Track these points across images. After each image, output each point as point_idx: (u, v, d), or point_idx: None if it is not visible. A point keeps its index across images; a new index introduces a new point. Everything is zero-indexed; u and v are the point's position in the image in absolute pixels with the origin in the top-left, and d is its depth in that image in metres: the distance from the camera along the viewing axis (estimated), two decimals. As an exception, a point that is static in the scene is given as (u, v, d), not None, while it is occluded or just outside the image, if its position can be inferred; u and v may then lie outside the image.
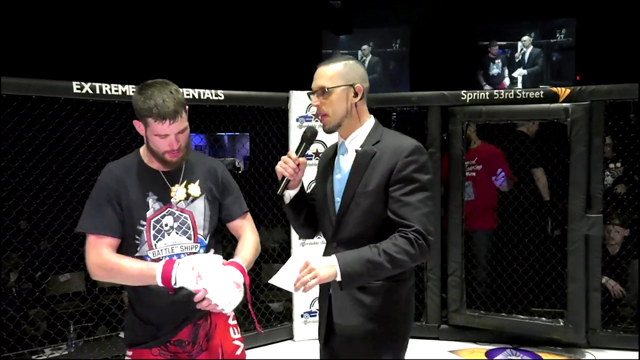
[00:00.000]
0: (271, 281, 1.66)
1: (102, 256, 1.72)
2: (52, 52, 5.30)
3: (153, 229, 1.77)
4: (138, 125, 1.76)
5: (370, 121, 1.78)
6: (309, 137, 1.79)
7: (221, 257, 1.77)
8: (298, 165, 1.75)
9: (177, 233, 1.80)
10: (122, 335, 3.42)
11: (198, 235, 1.82)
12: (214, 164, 1.95)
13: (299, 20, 6.81)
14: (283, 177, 1.75)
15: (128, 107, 3.18)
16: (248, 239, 1.90)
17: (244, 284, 1.72)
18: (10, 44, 5.02)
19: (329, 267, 1.57)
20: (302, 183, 1.85)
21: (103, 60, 5.45)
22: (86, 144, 3.18)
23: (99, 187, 1.78)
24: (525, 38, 6.75)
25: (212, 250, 1.79)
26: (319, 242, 3.75)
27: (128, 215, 1.76)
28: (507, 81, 6.83)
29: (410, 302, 1.78)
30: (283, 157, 1.75)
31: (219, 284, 1.66)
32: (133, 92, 3.00)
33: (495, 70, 6.86)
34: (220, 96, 3.42)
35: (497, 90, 3.63)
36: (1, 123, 2.78)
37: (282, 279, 1.64)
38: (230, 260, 1.78)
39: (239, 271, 1.72)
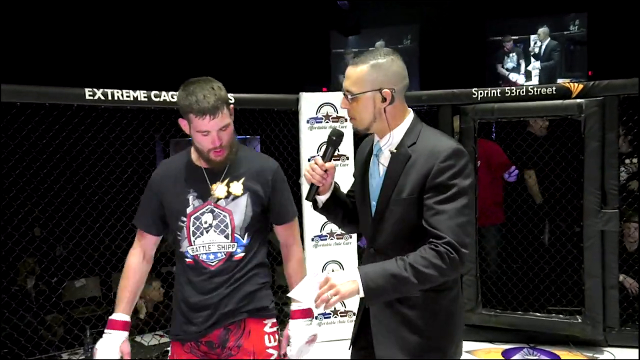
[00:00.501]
0: (290, 295, 1.65)
1: (131, 255, 1.88)
2: (59, 59, 5.35)
3: (192, 226, 1.80)
4: (184, 124, 1.77)
5: (407, 120, 1.65)
6: (334, 140, 1.69)
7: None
8: (326, 171, 1.66)
9: (215, 231, 1.80)
10: (137, 339, 3.45)
11: (236, 235, 1.81)
12: (267, 163, 1.92)
13: (307, 22, 6.82)
14: (312, 184, 1.68)
15: (140, 112, 3.22)
16: (296, 260, 1.96)
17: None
18: (18, 52, 5.08)
19: (351, 283, 1.48)
20: (335, 184, 1.75)
21: (111, 66, 5.49)
22: (99, 150, 3.22)
23: (148, 184, 1.88)
24: (541, 30, 6.59)
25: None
26: (332, 243, 3.75)
27: (170, 211, 1.82)
28: (521, 78, 6.72)
29: (454, 314, 1.65)
30: (310, 164, 1.68)
31: (302, 342, 1.83)
32: (145, 98, 3.05)
33: (510, 64, 6.75)
34: (231, 99, 3.42)
35: (509, 87, 3.59)
36: (15, 131, 2.82)
37: (301, 293, 1.60)
38: (297, 309, 1.87)
39: (309, 320, 1.88)
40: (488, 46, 6.86)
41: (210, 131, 1.71)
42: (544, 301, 3.57)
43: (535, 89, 3.48)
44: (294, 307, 1.90)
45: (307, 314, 1.90)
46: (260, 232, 1.88)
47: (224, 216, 1.81)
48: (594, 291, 3.30)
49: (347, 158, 3.60)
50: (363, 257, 1.76)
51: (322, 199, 1.73)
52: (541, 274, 3.58)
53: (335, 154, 1.71)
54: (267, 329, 1.88)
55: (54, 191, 3.08)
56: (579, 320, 3.35)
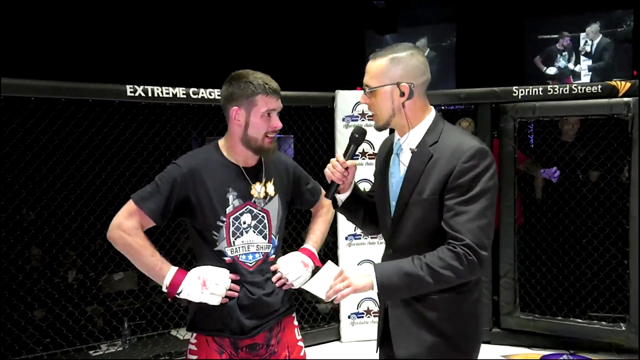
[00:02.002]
0: (304, 287, 1.67)
1: (131, 228, 1.70)
2: (99, 56, 5.49)
3: (232, 226, 1.76)
4: (235, 112, 1.74)
5: (429, 117, 1.60)
6: (357, 138, 1.67)
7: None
8: (347, 168, 1.63)
9: (254, 232, 1.80)
10: (173, 333, 3.51)
11: (272, 236, 1.83)
12: (286, 160, 1.96)
13: (342, 21, 6.81)
14: (332, 182, 1.65)
15: (179, 109, 3.27)
16: (319, 217, 2.02)
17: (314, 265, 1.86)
18: (61, 50, 5.24)
19: (364, 277, 1.48)
20: (355, 184, 1.73)
21: (148, 64, 5.60)
22: (138, 146, 3.28)
23: (168, 173, 1.75)
24: (590, 29, 6.26)
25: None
26: (366, 242, 3.73)
27: (205, 209, 1.74)
28: (570, 79, 6.45)
29: (475, 316, 1.62)
30: (332, 160, 1.65)
31: (290, 262, 1.82)
32: (184, 94, 3.10)
33: (562, 62, 6.48)
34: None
35: (551, 86, 3.49)
36: (60, 127, 2.90)
37: (315, 285, 1.61)
38: (302, 247, 1.93)
39: (307, 256, 1.87)
40: (536, 45, 6.63)
41: (275, 110, 1.76)
42: (586, 307, 3.45)
43: (579, 87, 3.37)
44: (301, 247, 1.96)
45: (306, 252, 1.92)
46: (283, 232, 1.92)
47: (262, 217, 1.81)
48: (640, 298, 3.18)
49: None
50: (381, 257, 1.73)
51: (342, 197, 1.71)
52: (583, 279, 3.46)
53: (358, 151, 1.69)
54: (294, 322, 1.92)
55: (95, 186, 3.16)
56: (623, 328, 3.23)
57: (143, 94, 3.00)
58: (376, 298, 1.72)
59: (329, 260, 1.72)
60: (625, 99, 3.19)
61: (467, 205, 1.47)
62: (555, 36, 6.49)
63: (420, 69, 1.58)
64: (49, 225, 3.14)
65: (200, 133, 3.51)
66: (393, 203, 1.62)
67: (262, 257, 1.80)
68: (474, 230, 1.45)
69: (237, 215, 1.77)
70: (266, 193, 1.82)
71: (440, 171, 1.51)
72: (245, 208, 1.78)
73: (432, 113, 1.62)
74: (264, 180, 1.82)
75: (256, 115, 1.73)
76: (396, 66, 1.55)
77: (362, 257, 3.69)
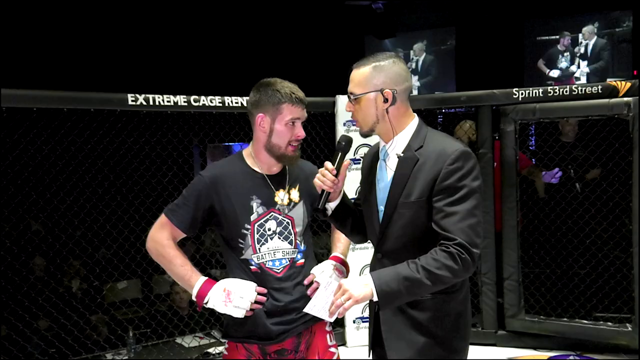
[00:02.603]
0: (305, 310, 1.68)
1: (163, 239, 1.81)
2: (100, 65, 5.52)
3: (257, 233, 1.80)
4: (261, 119, 1.80)
5: (412, 124, 1.65)
6: (343, 146, 1.69)
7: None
8: (336, 176, 1.66)
9: (280, 238, 1.83)
10: (178, 341, 3.50)
11: (297, 241, 1.86)
12: (312, 167, 1.98)
13: (343, 26, 6.83)
14: (322, 191, 1.68)
15: (180, 117, 3.28)
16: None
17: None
18: (60, 59, 5.27)
19: (364, 287, 1.48)
20: (344, 193, 1.77)
21: (150, 72, 5.62)
22: (141, 155, 3.30)
23: (193, 185, 1.83)
24: (586, 29, 6.27)
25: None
26: (369, 247, 3.71)
27: (229, 218, 1.80)
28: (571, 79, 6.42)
29: (464, 315, 1.66)
30: (320, 170, 1.67)
31: (325, 272, 1.83)
32: (185, 102, 3.11)
33: (564, 63, 6.47)
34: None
35: (552, 87, 3.49)
36: (62, 136, 2.91)
37: (315, 306, 1.62)
38: (332, 255, 1.95)
39: (340, 264, 1.90)
40: (535, 46, 6.62)
41: (300, 119, 1.80)
42: (591, 308, 3.44)
43: (580, 88, 3.37)
44: (332, 255, 1.99)
45: (339, 260, 1.95)
46: (310, 237, 1.93)
47: (287, 223, 1.84)
48: (645, 298, 3.17)
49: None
50: (371, 262, 1.76)
51: (332, 205, 1.73)
52: (587, 279, 3.45)
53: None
54: (327, 327, 1.93)
55: (98, 195, 3.17)
56: (629, 329, 3.22)
57: (144, 102, 3.01)
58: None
59: (327, 276, 1.75)
60: (626, 99, 3.19)
61: (456, 205, 1.51)
62: (555, 37, 6.49)
63: (402, 76, 1.63)
64: (53, 235, 3.15)
65: (201, 141, 3.52)
66: (381, 208, 1.66)
67: (288, 262, 1.83)
68: (464, 229, 1.49)
69: (262, 222, 1.81)
70: (290, 200, 1.85)
71: (426, 174, 1.56)
72: (270, 215, 1.82)
73: (415, 119, 1.68)
74: (287, 187, 1.85)
75: (280, 123, 1.78)
76: (379, 74, 1.60)
77: (366, 261, 3.68)
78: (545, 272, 3.65)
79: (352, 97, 1.64)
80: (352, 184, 3.29)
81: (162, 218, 1.83)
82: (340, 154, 1.69)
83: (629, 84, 3.26)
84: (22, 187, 2.95)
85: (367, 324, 3.70)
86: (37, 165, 2.95)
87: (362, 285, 1.49)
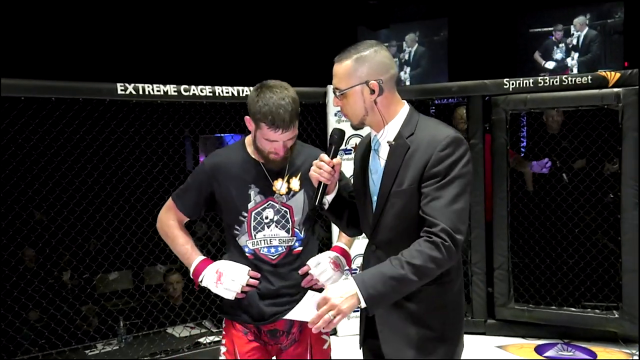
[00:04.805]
0: (289, 316, 1.71)
1: (169, 220, 1.92)
2: (89, 55, 5.46)
3: (254, 221, 1.84)
4: (248, 122, 1.81)
5: (403, 111, 1.62)
6: (336, 139, 1.67)
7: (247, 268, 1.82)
8: (333, 167, 1.64)
9: (277, 226, 1.85)
10: (169, 331, 3.51)
11: (295, 229, 1.87)
12: (317, 154, 1.94)
13: (335, 17, 6.79)
14: (319, 184, 1.65)
15: (170, 107, 3.26)
16: None
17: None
18: (49, 48, 5.21)
19: (350, 298, 1.43)
20: (338, 185, 1.74)
21: (138, 61, 5.58)
22: (130, 145, 3.27)
23: (196, 172, 1.91)
24: (577, 20, 6.25)
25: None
26: (361, 237, 3.72)
27: (229, 205, 1.85)
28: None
29: (458, 306, 1.65)
30: (315, 162, 1.64)
31: (321, 264, 1.84)
32: (175, 92, 3.09)
33: (559, 54, 6.49)
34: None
35: (542, 77, 3.50)
36: (51, 126, 2.89)
37: (301, 313, 1.62)
38: (335, 245, 1.96)
39: (340, 254, 1.91)
40: (528, 38, 6.61)
41: (277, 141, 1.75)
42: (579, 296, 3.47)
43: (570, 79, 3.39)
44: (334, 245, 1.98)
45: (339, 250, 1.94)
46: (313, 225, 1.94)
47: (285, 212, 1.86)
48: (632, 286, 3.20)
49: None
50: (364, 253, 1.74)
51: (329, 198, 1.72)
52: (576, 268, 3.49)
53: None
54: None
55: (87, 185, 3.15)
56: (616, 316, 3.26)
57: (134, 92, 2.99)
58: None
59: (309, 290, 1.79)
60: (616, 90, 3.21)
61: (442, 190, 1.48)
62: (548, 29, 6.50)
63: (386, 65, 1.59)
64: (42, 225, 3.13)
65: (192, 131, 3.50)
66: (374, 198, 1.63)
67: (285, 250, 1.86)
68: (448, 214, 1.46)
69: (259, 210, 1.84)
70: (289, 188, 1.86)
71: (417, 161, 1.53)
72: (267, 204, 1.84)
73: (405, 106, 1.64)
74: (287, 177, 1.85)
75: (261, 135, 1.77)
76: (362, 65, 1.56)
77: (358, 251, 3.69)
78: (534, 261, 3.69)
79: (337, 92, 1.60)
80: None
81: (169, 202, 1.93)
82: (334, 146, 1.67)
83: (618, 75, 3.27)
84: (9, 178, 2.92)
85: (357, 313, 3.72)
86: (25, 155, 2.93)
87: (348, 296, 1.43)
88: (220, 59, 6.05)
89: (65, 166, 3.07)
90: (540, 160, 3.72)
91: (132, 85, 2.98)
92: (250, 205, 1.83)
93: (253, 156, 1.85)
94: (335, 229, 3.70)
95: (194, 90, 3.14)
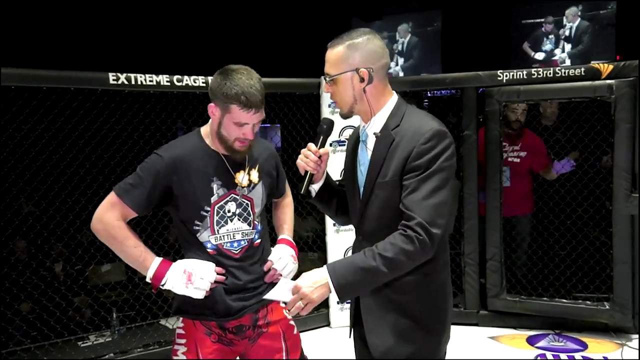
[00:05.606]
0: (266, 297, 1.67)
1: (113, 220, 1.70)
2: (81, 44, 5.40)
3: (217, 215, 1.77)
4: (213, 109, 1.72)
5: (391, 101, 1.61)
6: (325, 130, 1.66)
7: (213, 264, 1.77)
8: (320, 157, 1.64)
9: (239, 219, 1.81)
10: (162, 322, 3.50)
11: (255, 222, 1.84)
12: (271, 148, 1.95)
13: (329, 8, 6.76)
14: (306, 172, 1.65)
15: (163, 97, 3.23)
16: (287, 207, 2.06)
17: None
18: (41, 37, 5.14)
19: (321, 288, 1.46)
20: (327, 173, 1.75)
21: (132, 51, 5.52)
22: (123, 135, 3.24)
23: (150, 164, 1.74)
24: (569, 11, 6.22)
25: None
26: (353, 229, 3.73)
27: (189, 200, 1.74)
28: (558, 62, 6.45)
29: (444, 296, 1.64)
30: (303, 151, 1.64)
31: (282, 258, 1.86)
32: (167, 82, 3.06)
33: (548, 46, 6.48)
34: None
35: (535, 69, 3.51)
36: (42, 115, 2.86)
37: (276, 295, 1.60)
38: (281, 237, 1.95)
39: (292, 248, 1.92)
40: (520, 30, 6.60)
41: (249, 123, 1.70)
42: (571, 287, 3.51)
43: (563, 70, 3.40)
44: (280, 237, 1.99)
45: (290, 244, 1.96)
46: (265, 217, 1.92)
47: (247, 204, 1.82)
48: (623, 277, 3.24)
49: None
50: (352, 244, 1.76)
51: (315, 187, 1.71)
52: (568, 260, 3.51)
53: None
54: (281, 303, 1.93)
55: (79, 175, 3.13)
56: (607, 307, 3.29)
57: (126, 82, 2.96)
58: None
59: (282, 277, 1.80)
60: (609, 82, 3.22)
61: (422, 183, 1.48)
62: (541, 20, 6.49)
63: (378, 53, 1.57)
64: (34, 217, 3.11)
65: (185, 121, 3.47)
66: (361, 189, 1.64)
67: (247, 243, 1.82)
68: (426, 207, 1.46)
69: (222, 204, 1.78)
70: (250, 181, 1.82)
71: (400, 154, 1.52)
72: (230, 197, 1.79)
73: (394, 97, 1.63)
74: (247, 169, 1.82)
75: (229, 121, 1.70)
76: (354, 52, 1.55)
77: (349, 243, 3.70)
78: (527, 252, 3.71)
79: (328, 78, 1.59)
80: (338, 167, 3.29)
81: (112, 197, 1.72)
82: (322, 136, 1.66)
83: (611, 67, 3.29)
84: (0, 168, 2.89)
85: (349, 304, 3.74)
86: (16, 145, 2.89)
87: (318, 285, 1.46)
88: (214, 50, 5.99)
89: (57, 157, 3.03)
90: (559, 161, 3.70)
91: (125, 75, 2.95)
92: (213, 199, 1.76)
93: (213, 147, 1.78)
94: (328, 221, 3.71)
95: (186, 80, 3.12)
